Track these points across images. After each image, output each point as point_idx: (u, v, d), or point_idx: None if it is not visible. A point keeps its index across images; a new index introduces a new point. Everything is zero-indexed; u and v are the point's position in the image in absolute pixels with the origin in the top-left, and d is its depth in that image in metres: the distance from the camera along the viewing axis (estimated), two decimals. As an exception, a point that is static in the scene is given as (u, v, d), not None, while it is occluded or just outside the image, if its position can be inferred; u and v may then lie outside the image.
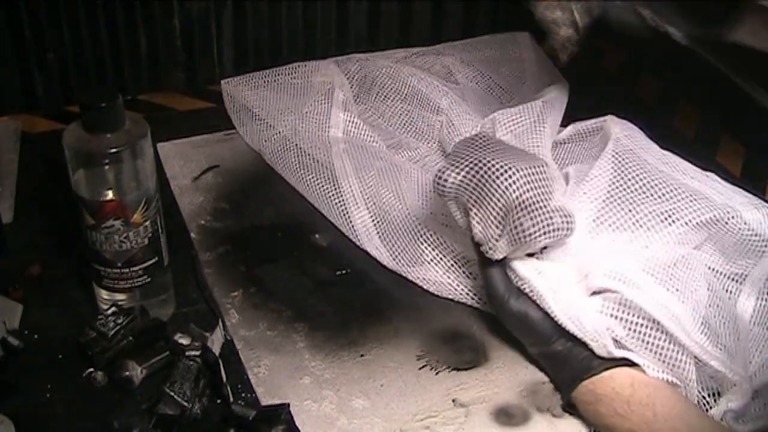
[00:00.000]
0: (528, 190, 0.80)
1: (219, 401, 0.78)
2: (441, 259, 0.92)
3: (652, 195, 0.86)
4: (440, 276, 0.91)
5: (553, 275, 0.82)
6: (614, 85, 1.31)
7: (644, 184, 0.87)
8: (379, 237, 0.95)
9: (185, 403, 0.75)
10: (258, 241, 0.98)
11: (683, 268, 0.82)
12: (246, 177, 1.08)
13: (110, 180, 0.79)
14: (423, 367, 0.84)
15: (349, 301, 0.91)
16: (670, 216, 0.85)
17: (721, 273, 0.86)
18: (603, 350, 0.77)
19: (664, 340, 0.77)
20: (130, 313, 0.82)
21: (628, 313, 0.78)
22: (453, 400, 0.80)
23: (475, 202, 0.81)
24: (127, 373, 0.79)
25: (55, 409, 0.78)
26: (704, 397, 0.77)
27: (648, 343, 0.77)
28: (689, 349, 0.76)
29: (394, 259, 0.93)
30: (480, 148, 0.84)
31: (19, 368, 0.81)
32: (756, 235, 0.86)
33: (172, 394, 0.75)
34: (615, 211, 0.86)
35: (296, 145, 1.07)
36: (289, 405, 0.77)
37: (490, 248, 0.82)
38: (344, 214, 0.97)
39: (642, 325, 0.77)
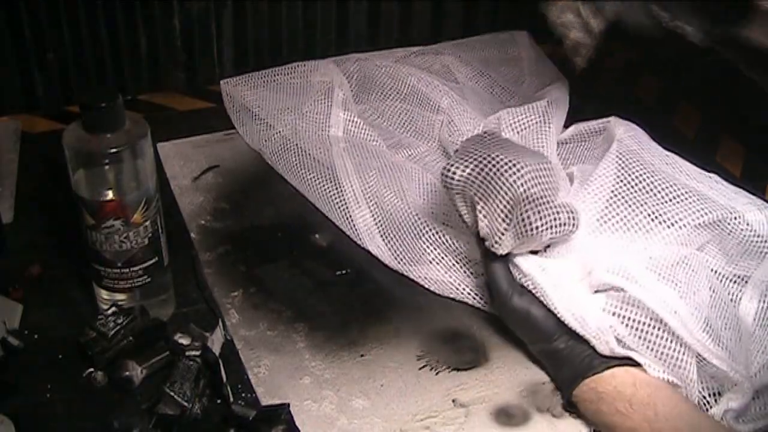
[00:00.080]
0: (535, 185, 0.81)
1: (219, 401, 0.78)
2: (443, 258, 0.92)
3: (655, 196, 0.87)
4: (442, 275, 0.91)
5: (557, 272, 0.82)
6: (615, 85, 1.31)
7: (647, 185, 0.87)
8: (381, 236, 0.95)
9: (185, 403, 0.75)
10: (258, 241, 0.98)
11: (685, 269, 0.82)
12: (246, 177, 1.08)
13: (110, 180, 0.79)
14: (423, 367, 0.84)
15: (349, 301, 0.91)
16: (672, 217, 0.85)
17: (723, 275, 0.86)
18: (605, 348, 0.77)
19: (666, 339, 0.77)
20: (130, 313, 0.82)
21: (631, 311, 0.78)
22: (453, 401, 0.80)
23: (482, 196, 0.82)
24: (127, 373, 0.79)
25: (55, 409, 0.78)
26: (704, 397, 0.77)
27: (649, 341, 0.77)
28: (691, 346, 0.76)
29: (395, 258, 0.93)
30: (488, 144, 0.85)
31: (19, 368, 0.81)
32: (758, 236, 0.86)
33: (172, 394, 0.75)
34: (618, 212, 0.87)
35: (296, 144, 1.07)
36: (289, 405, 0.77)
37: (496, 242, 0.82)
38: (346, 214, 0.97)
39: (644, 323, 0.78)
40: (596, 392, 0.76)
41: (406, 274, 0.92)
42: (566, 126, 1.07)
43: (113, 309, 0.83)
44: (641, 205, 0.86)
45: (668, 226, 0.85)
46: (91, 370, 0.80)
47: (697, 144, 1.18)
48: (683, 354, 0.76)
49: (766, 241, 0.86)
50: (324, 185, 1.00)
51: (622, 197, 0.87)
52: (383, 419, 0.78)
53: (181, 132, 1.15)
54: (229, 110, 1.15)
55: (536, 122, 1.02)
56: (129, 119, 0.79)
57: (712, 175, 0.92)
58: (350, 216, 0.97)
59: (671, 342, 0.77)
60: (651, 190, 0.87)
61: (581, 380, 0.77)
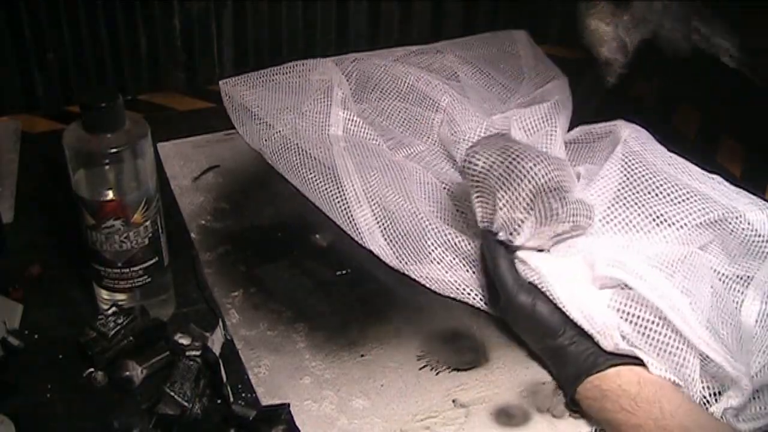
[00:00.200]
0: (555, 177, 0.82)
1: (219, 401, 0.78)
2: (444, 256, 0.92)
3: (658, 196, 0.87)
4: (443, 274, 0.91)
5: (562, 269, 0.83)
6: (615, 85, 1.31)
7: (650, 186, 0.88)
8: (383, 235, 0.95)
9: (185, 403, 0.75)
10: (258, 241, 0.98)
11: (687, 267, 0.82)
12: (246, 177, 1.08)
13: (110, 180, 0.79)
14: (423, 367, 0.84)
15: (349, 301, 0.91)
16: (674, 216, 0.85)
17: (725, 274, 0.87)
18: (610, 343, 0.78)
19: (669, 337, 0.77)
20: (131, 313, 0.82)
21: (635, 308, 0.79)
22: (453, 401, 0.80)
23: (503, 184, 0.83)
24: (127, 373, 0.79)
25: (55, 409, 0.78)
26: (705, 397, 0.77)
27: (653, 339, 0.77)
28: (692, 342, 0.76)
29: (397, 257, 0.93)
30: (507, 139, 0.87)
31: (19, 368, 0.81)
32: (759, 236, 0.86)
33: (172, 394, 0.75)
34: (621, 212, 0.87)
35: (296, 144, 1.07)
36: (289, 405, 0.77)
37: (515, 230, 0.83)
38: (347, 213, 0.97)
39: (647, 320, 0.78)
40: (600, 390, 0.76)
41: (407, 273, 0.92)
42: (571, 126, 1.07)
43: (113, 309, 0.83)
44: (644, 207, 0.87)
45: (669, 225, 0.85)
46: (91, 370, 0.80)
47: (697, 144, 1.18)
48: (686, 352, 0.77)
49: (767, 241, 0.86)
50: (325, 185, 1.01)
51: (626, 198, 0.88)
52: (383, 419, 0.78)
53: (181, 132, 1.15)
54: (228, 110, 1.15)
55: (544, 124, 1.03)
56: (129, 119, 0.79)
57: (714, 176, 0.92)
58: (351, 215, 0.97)
59: (674, 340, 0.77)
60: (654, 191, 0.88)
61: (585, 378, 0.77)
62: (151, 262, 0.83)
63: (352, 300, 0.91)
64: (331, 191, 1.00)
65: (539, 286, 0.82)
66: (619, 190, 0.89)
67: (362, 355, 0.85)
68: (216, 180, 1.08)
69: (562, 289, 0.81)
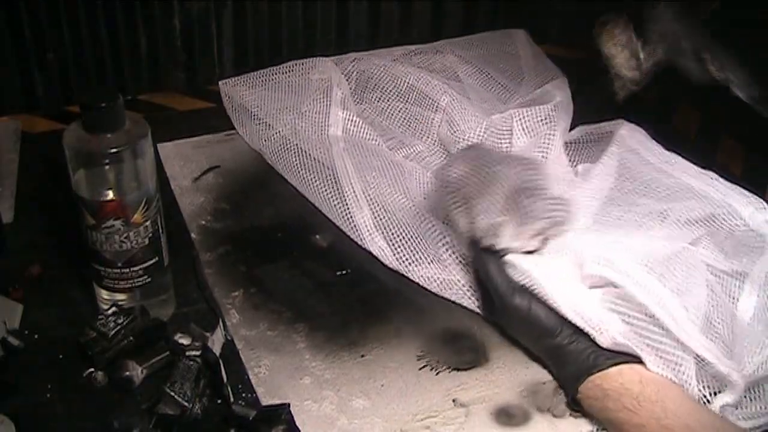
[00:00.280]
0: (529, 177, 0.84)
1: (219, 401, 0.78)
2: (444, 257, 0.92)
3: (651, 193, 0.87)
4: (443, 275, 0.91)
5: (553, 269, 0.83)
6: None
7: (644, 183, 0.88)
8: (382, 236, 0.95)
9: (185, 403, 0.75)
10: (258, 242, 0.98)
11: (680, 265, 0.82)
12: (246, 178, 1.08)
13: (110, 180, 0.79)
14: (423, 367, 0.84)
15: (349, 301, 0.91)
16: (665, 211, 0.86)
17: (720, 269, 0.87)
18: (607, 339, 0.78)
19: (662, 335, 0.77)
20: (131, 313, 0.82)
21: (626, 307, 0.79)
22: (453, 400, 0.80)
23: (478, 192, 0.84)
24: (127, 373, 0.79)
25: (55, 409, 0.78)
26: (704, 396, 0.77)
27: (646, 338, 0.77)
28: (679, 337, 0.76)
29: (397, 259, 0.93)
30: (478, 149, 0.90)
31: (19, 368, 0.81)
32: (752, 231, 0.86)
33: (172, 394, 0.75)
34: (614, 209, 0.87)
35: (296, 144, 1.07)
36: (289, 405, 0.77)
37: (495, 234, 0.83)
38: (346, 214, 0.97)
39: (639, 318, 0.78)
40: (602, 389, 0.76)
41: (406, 274, 0.92)
42: (571, 126, 1.08)
43: (113, 309, 0.83)
44: (636, 204, 0.87)
45: (663, 221, 0.85)
46: (91, 370, 0.80)
47: (697, 144, 1.17)
48: (680, 350, 0.76)
49: (760, 236, 0.86)
50: (324, 186, 1.00)
51: (619, 195, 0.88)
52: (383, 419, 0.78)
53: (181, 132, 1.15)
54: (228, 111, 1.15)
55: (545, 124, 1.03)
56: (129, 119, 0.79)
57: (708, 172, 0.92)
58: (351, 216, 0.97)
59: (667, 338, 0.77)
60: (647, 187, 0.88)
61: (587, 377, 0.77)
62: (151, 262, 0.83)
63: (353, 300, 0.91)
64: (330, 192, 1.00)
65: (531, 289, 0.82)
66: (613, 187, 0.89)
67: (362, 355, 0.85)
68: (216, 180, 1.08)
69: (554, 290, 0.81)
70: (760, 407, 0.78)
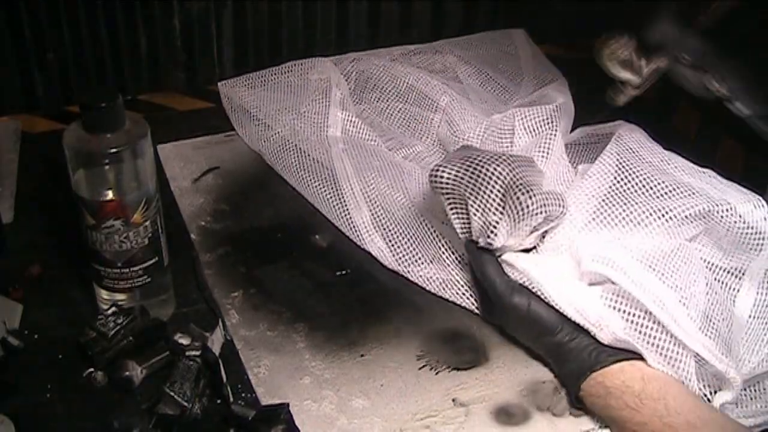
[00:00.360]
0: (522, 174, 0.84)
1: (219, 401, 0.78)
2: (442, 257, 0.92)
3: (648, 192, 0.88)
4: (442, 274, 0.91)
5: (551, 267, 0.83)
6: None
7: (642, 182, 0.88)
8: (381, 236, 0.95)
9: (185, 403, 0.75)
10: (258, 242, 0.98)
11: (678, 262, 0.82)
12: (246, 178, 1.08)
13: (110, 180, 0.79)
14: (423, 367, 0.84)
15: (349, 301, 0.91)
16: (663, 208, 0.86)
17: (718, 266, 0.87)
18: (608, 335, 0.78)
19: (661, 332, 0.77)
20: (130, 313, 0.82)
21: (625, 304, 0.79)
22: (453, 400, 0.80)
23: (472, 191, 0.84)
24: (127, 373, 0.79)
25: (55, 409, 0.78)
26: (705, 395, 0.77)
27: (646, 335, 0.77)
28: (676, 335, 0.76)
29: (395, 259, 0.93)
30: (470, 150, 0.90)
31: (19, 368, 0.81)
32: (750, 228, 0.86)
33: (172, 394, 0.75)
34: (612, 208, 0.87)
35: (295, 145, 1.07)
36: (288, 405, 0.77)
37: (491, 233, 0.83)
38: (345, 214, 0.97)
39: (638, 315, 0.78)
40: (604, 387, 0.76)
41: (405, 274, 0.92)
42: (572, 127, 1.08)
43: (113, 309, 0.83)
44: (635, 203, 0.87)
45: (658, 218, 0.85)
46: (91, 370, 0.80)
47: (697, 144, 1.17)
48: (679, 348, 0.77)
49: (757, 233, 0.86)
50: (323, 186, 1.01)
51: (616, 194, 0.88)
52: (383, 419, 0.78)
53: (181, 132, 1.15)
54: (228, 111, 1.15)
55: (546, 125, 1.03)
56: (129, 119, 0.79)
57: (706, 170, 0.92)
58: (350, 217, 0.97)
59: (666, 335, 0.77)
60: (644, 186, 0.88)
61: (589, 374, 0.77)
62: (151, 262, 0.83)
63: (352, 300, 0.91)
64: (329, 193, 1.00)
65: (530, 287, 0.82)
66: (612, 186, 0.89)
67: (362, 355, 0.85)
68: (216, 181, 1.08)
69: (552, 288, 0.81)
70: (761, 406, 0.78)
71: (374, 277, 0.94)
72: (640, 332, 0.78)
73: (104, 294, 0.85)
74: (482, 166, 0.84)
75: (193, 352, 0.79)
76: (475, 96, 1.16)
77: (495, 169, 0.83)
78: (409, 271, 0.92)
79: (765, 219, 0.86)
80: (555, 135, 1.00)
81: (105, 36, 1.18)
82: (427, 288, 0.91)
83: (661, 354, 0.77)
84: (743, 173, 1.10)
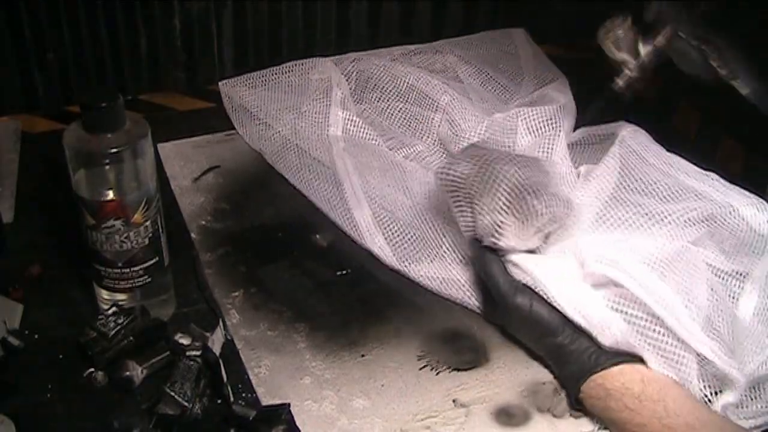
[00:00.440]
0: (530, 174, 0.84)
1: (219, 401, 0.78)
2: (445, 256, 0.92)
3: (652, 194, 0.87)
4: (444, 273, 0.91)
5: (555, 268, 0.83)
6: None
7: (646, 184, 0.88)
8: (382, 235, 0.95)
9: (185, 403, 0.75)
10: (258, 242, 0.98)
11: (682, 264, 0.82)
12: (246, 178, 1.08)
13: (111, 180, 0.79)
14: (423, 367, 0.84)
15: (349, 301, 0.91)
16: (666, 210, 0.86)
17: (721, 269, 0.87)
18: (610, 338, 0.78)
19: (664, 334, 0.77)
20: (131, 313, 0.82)
21: (628, 307, 0.79)
22: (453, 401, 0.80)
23: (479, 190, 0.84)
24: (128, 373, 0.79)
25: (55, 409, 0.78)
26: (706, 396, 0.77)
27: (649, 337, 0.77)
28: (681, 336, 0.76)
29: (396, 257, 0.93)
30: (479, 148, 0.89)
31: (19, 368, 0.81)
32: (753, 231, 0.86)
33: (172, 394, 0.75)
34: (616, 211, 0.87)
35: (296, 144, 1.07)
36: (289, 405, 0.77)
37: (498, 233, 0.83)
38: (346, 213, 0.97)
39: (641, 318, 0.78)
40: (604, 388, 0.76)
41: (406, 274, 0.92)
42: (574, 128, 1.08)
43: (113, 309, 0.83)
44: (638, 205, 0.87)
45: (662, 220, 0.85)
46: (91, 370, 0.80)
47: (697, 144, 1.17)
48: (682, 350, 0.77)
49: (761, 236, 0.86)
50: (324, 185, 1.01)
51: (620, 196, 0.88)
52: (383, 419, 0.78)
53: (181, 132, 1.15)
54: (228, 111, 1.15)
55: (549, 125, 1.03)
56: (129, 119, 0.79)
57: (710, 173, 0.92)
58: (351, 216, 0.97)
59: (669, 337, 0.77)
60: (649, 188, 0.88)
61: (589, 376, 0.77)
62: (152, 262, 0.83)
63: (353, 300, 0.91)
64: (330, 192, 1.00)
65: (533, 288, 0.82)
66: (615, 188, 0.89)
67: (362, 355, 0.85)
68: (216, 180, 1.08)
69: (556, 289, 0.81)
70: (761, 407, 0.78)
71: (375, 277, 0.94)
72: (642, 334, 0.77)
73: (104, 294, 0.85)
74: (489, 166, 0.84)
75: (194, 352, 0.79)
76: (475, 95, 1.16)
77: (502, 169, 0.83)
78: (410, 270, 0.92)
79: None
80: (558, 135, 1.00)
81: (105, 36, 1.18)
82: (428, 287, 0.91)
83: (662, 356, 0.77)
84: (743, 173, 1.10)
